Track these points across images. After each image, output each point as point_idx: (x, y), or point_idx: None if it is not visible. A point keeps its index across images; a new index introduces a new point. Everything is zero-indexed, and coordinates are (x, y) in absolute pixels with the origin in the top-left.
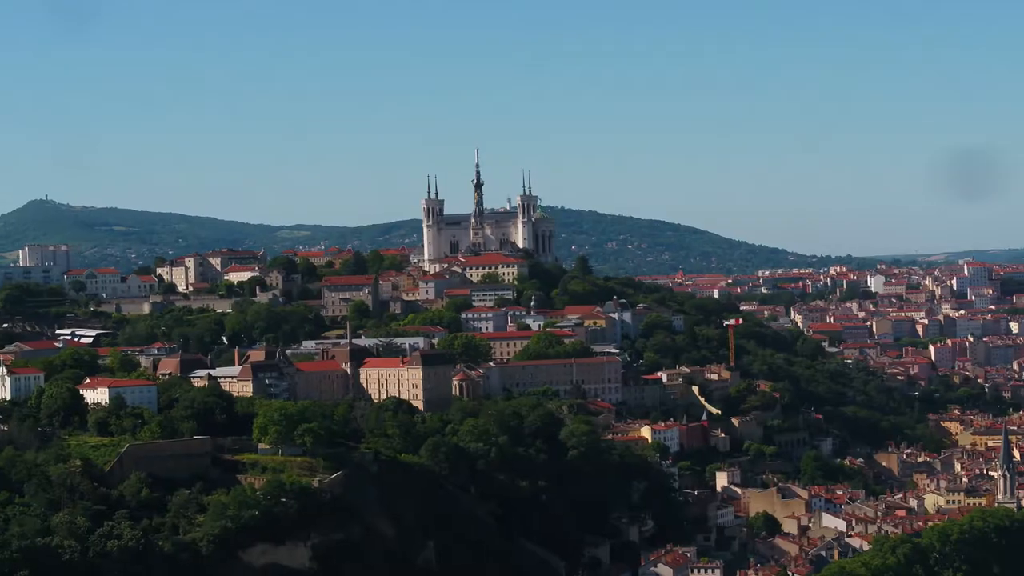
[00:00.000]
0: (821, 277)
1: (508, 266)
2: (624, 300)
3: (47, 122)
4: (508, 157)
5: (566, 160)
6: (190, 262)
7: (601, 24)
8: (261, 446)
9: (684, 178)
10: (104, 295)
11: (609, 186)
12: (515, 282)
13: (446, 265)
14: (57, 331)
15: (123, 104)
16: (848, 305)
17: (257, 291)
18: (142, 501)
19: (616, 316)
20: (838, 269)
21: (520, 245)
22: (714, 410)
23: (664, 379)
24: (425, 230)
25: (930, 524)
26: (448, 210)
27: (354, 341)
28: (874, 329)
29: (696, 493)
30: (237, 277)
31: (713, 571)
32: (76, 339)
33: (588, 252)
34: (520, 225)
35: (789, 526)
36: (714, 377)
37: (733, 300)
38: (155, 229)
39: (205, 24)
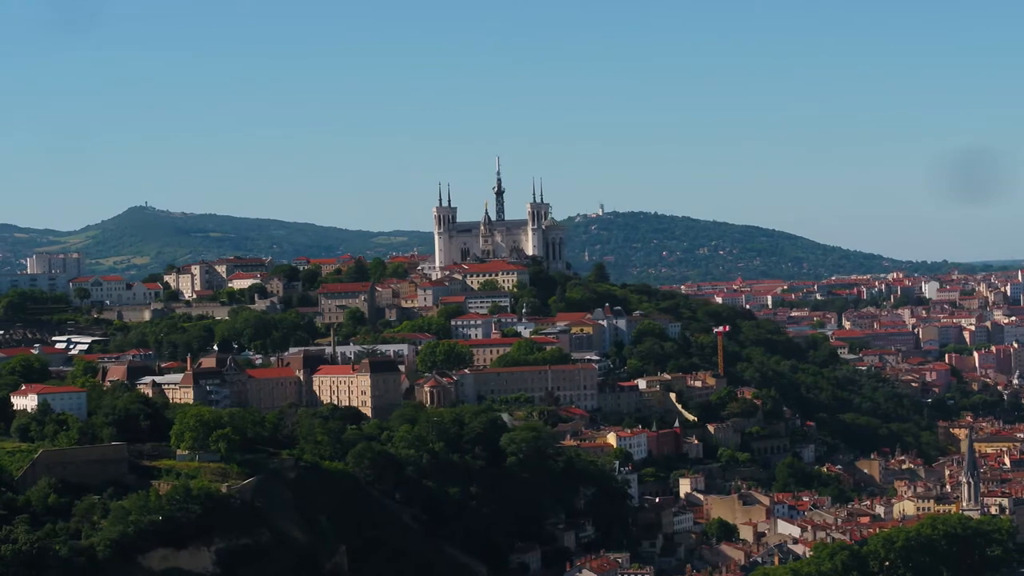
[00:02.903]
0: (876, 283)
1: (508, 273)
2: (619, 307)
3: (153, 127)
4: (596, 162)
5: (662, 166)
6: (196, 269)
7: (688, 29)
8: (179, 452)
9: (780, 184)
10: (108, 302)
11: (705, 192)
12: (514, 289)
13: (447, 272)
14: (55, 338)
15: (229, 112)
16: (900, 312)
17: (256, 298)
18: (49, 506)
19: (604, 323)
20: (895, 275)
21: (529, 252)
22: (690, 417)
23: (643, 386)
24: (436, 237)
25: (880, 530)
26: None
27: (340, 348)
28: (921, 335)
29: (657, 500)
30: (240, 284)
31: None
32: (71, 346)
33: (678, 258)
34: (530, 232)
35: (746, 532)
36: (698, 384)
37: (785, 305)
38: (251, 236)
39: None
